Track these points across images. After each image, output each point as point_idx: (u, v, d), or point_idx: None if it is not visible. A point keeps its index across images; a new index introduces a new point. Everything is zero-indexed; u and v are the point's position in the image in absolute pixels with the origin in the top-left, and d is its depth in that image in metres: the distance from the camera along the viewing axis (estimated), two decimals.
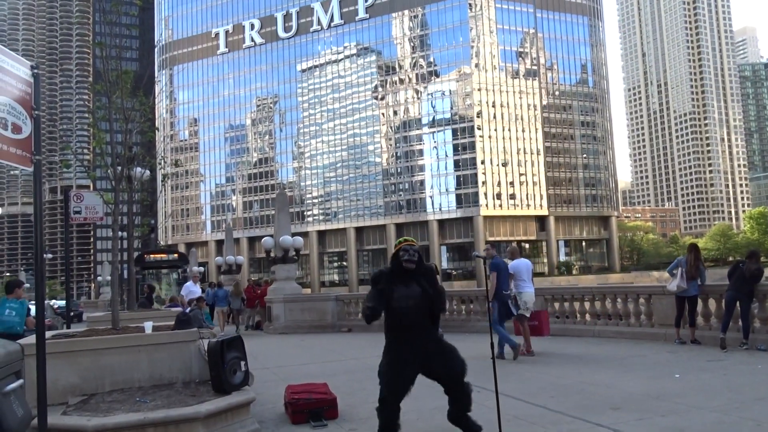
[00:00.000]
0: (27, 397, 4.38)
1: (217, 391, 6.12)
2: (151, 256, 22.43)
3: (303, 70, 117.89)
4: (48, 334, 6.55)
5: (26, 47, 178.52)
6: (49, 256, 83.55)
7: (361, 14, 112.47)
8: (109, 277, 34.85)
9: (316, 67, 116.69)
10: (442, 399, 5.54)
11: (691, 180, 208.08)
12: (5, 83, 4.49)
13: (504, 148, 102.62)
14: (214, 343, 6.34)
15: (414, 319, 4.96)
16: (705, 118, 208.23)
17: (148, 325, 7.09)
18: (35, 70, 4.79)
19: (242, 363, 6.44)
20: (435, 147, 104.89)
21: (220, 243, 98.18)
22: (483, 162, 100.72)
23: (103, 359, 6.37)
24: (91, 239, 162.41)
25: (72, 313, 18.94)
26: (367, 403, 7.02)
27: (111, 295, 8.88)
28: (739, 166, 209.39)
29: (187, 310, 11.56)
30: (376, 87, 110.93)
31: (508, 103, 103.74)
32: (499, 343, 10.29)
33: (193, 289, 18.74)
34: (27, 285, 65.92)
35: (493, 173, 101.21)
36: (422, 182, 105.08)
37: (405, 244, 5.15)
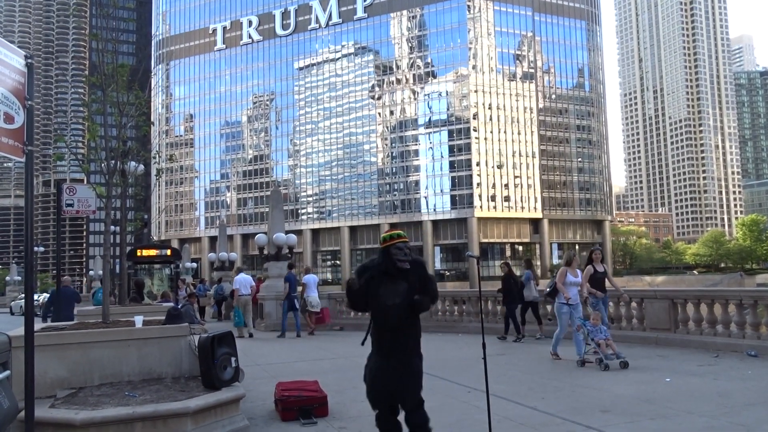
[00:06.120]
0: (14, 390, 4.34)
1: (206, 387, 6.09)
2: (144, 251, 22.30)
3: (300, 68, 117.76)
4: (37, 326, 6.51)
5: (22, 39, 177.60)
6: (41, 249, 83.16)
7: (360, 13, 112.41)
8: (100, 272, 34.69)
9: (313, 65, 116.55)
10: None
11: (685, 186, 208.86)
12: None
13: (499, 150, 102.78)
14: (204, 338, 6.32)
15: (395, 319, 4.62)
16: (700, 125, 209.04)
17: (139, 319, 7.06)
18: (29, 60, 4.76)
19: (233, 359, 6.41)
20: (431, 148, 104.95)
21: (213, 239, 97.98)
22: (478, 164, 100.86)
23: (92, 353, 6.32)
24: (84, 233, 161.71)
25: (51, 308, 18.79)
26: (357, 401, 7.01)
27: (102, 289, 8.84)
28: (732, 173, 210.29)
29: (179, 305, 11.51)
30: (373, 86, 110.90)
31: (504, 106, 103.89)
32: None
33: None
34: (18, 278, 65.23)
35: (488, 175, 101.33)
36: (417, 183, 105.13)
37: (399, 241, 4.70)
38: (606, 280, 10.96)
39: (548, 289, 10.93)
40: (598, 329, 9.71)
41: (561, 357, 10.32)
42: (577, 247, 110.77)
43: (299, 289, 17.67)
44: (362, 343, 4.85)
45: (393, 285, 4.64)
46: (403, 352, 4.67)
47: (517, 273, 15.50)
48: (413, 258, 4.75)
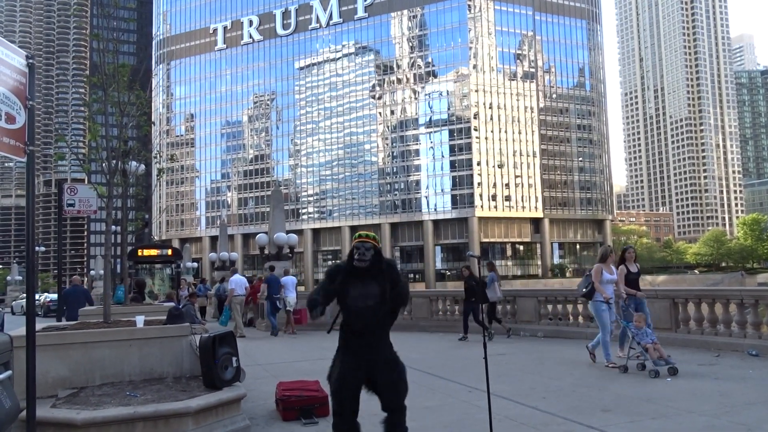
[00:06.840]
0: (16, 390, 4.34)
1: (208, 387, 6.09)
2: (145, 251, 22.29)
3: (301, 68, 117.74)
4: (38, 326, 6.52)
5: (23, 39, 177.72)
6: (42, 249, 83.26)
7: (360, 13, 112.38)
8: (102, 271, 34.72)
9: (314, 65, 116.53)
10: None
11: (686, 185, 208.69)
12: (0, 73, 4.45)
13: (500, 149, 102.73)
14: (205, 338, 6.32)
15: (369, 322, 4.58)
16: (701, 124, 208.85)
17: (140, 319, 7.06)
18: (30, 60, 4.76)
19: (234, 359, 6.42)
20: (431, 147, 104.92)
21: (214, 239, 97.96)
22: (479, 163, 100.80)
23: (93, 352, 6.33)
24: (85, 233, 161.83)
25: (64, 307, 18.85)
26: None
27: (103, 288, 8.85)
28: (733, 172, 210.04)
29: (180, 305, 11.52)
30: (373, 86, 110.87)
31: (505, 105, 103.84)
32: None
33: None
34: (19, 277, 65.23)
35: (488, 174, 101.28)
36: (418, 182, 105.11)
37: (358, 241, 4.67)
38: (639, 280, 10.20)
39: (584, 290, 9.87)
40: (643, 332, 8.78)
41: (613, 363, 9.34)
42: (578, 246, 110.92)
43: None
44: (328, 332, 4.97)
45: (364, 286, 4.61)
46: (382, 352, 4.66)
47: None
48: (386, 260, 4.74)
